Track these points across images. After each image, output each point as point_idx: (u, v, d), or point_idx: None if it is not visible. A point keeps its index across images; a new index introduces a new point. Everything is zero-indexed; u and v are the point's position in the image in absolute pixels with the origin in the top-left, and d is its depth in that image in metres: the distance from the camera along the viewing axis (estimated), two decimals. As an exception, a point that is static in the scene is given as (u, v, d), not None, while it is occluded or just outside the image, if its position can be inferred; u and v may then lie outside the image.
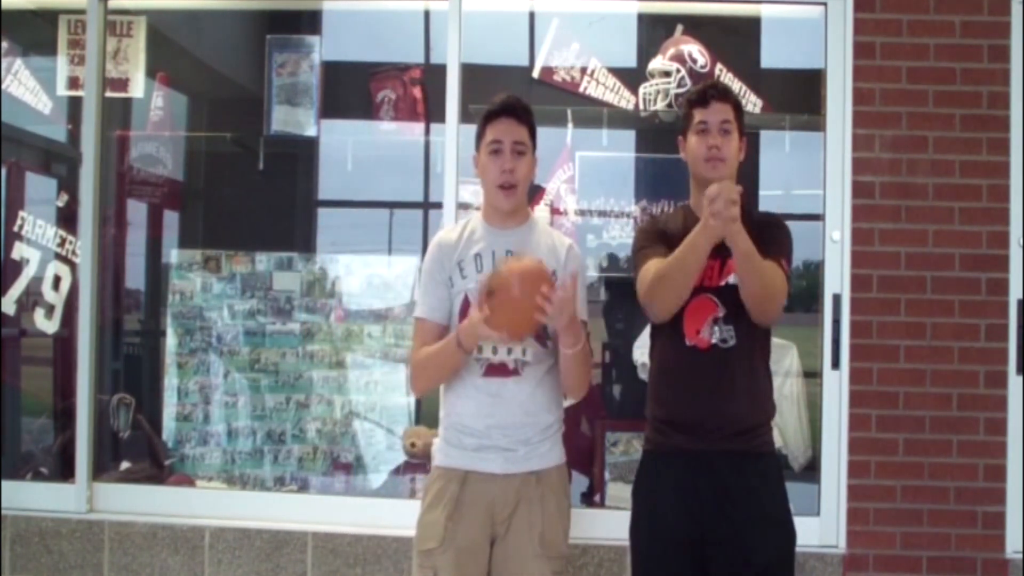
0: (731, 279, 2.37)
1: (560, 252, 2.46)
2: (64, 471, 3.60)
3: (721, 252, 2.35)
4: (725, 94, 2.45)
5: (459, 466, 2.37)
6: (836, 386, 3.27)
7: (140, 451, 3.78)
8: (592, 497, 3.60)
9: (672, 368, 2.45)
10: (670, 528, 2.38)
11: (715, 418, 2.37)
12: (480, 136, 2.43)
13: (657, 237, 2.47)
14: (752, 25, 3.79)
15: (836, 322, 3.26)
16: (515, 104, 2.40)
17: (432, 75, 3.72)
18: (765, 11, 3.75)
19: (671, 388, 2.46)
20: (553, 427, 2.43)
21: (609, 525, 3.31)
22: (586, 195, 3.71)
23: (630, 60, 3.87)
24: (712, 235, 2.23)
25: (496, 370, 2.36)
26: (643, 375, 3.60)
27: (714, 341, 2.38)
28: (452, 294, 2.40)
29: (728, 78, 3.65)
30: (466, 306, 2.36)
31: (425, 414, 3.72)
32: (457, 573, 2.32)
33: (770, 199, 3.72)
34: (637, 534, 2.46)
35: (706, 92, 2.44)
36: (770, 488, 2.40)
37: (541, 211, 3.66)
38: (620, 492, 3.47)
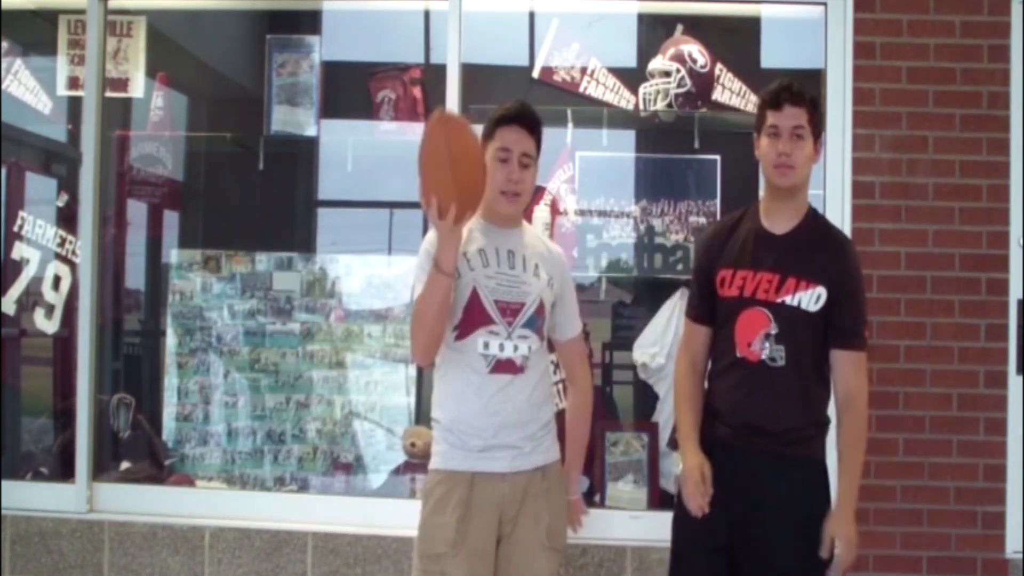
0: (789, 299, 2.32)
1: (555, 258, 2.49)
2: (64, 471, 3.60)
3: (780, 268, 2.34)
4: (799, 96, 2.35)
5: (465, 469, 2.34)
6: (836, 386, 3.26)
7: (140, 451, 3.77)
8: (592, 497, 3.60)
9: (721, 373, 2.45)
10: (698, 524, 2.38)
11: (752, 426, 2.36)
12: (488, 136, 2.41)
13: (712, 259, 2.45)
14: (752, 25, 3.79)
15: (836, 322, 3.26)
16: (527, 115, 2.40)
17: (432, 75, 3.71)
18: (765, 11, 3.75)
19: (718, 387, 2.46)
20: (551, 422, 2.46)
21: (609, 525, 3.31)
22: (586, 195, 3.71)
23: (630, 60, 3.86)
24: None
25: (503, 367, 2.35)
26: (643, 375, 3.61)
27: (763, 357, 2.34)
28: (460, 285, 2.34)
29: (728, 78, 3.65)
30: (475, 297, 2.34)
31: (425, 414, 3.71)
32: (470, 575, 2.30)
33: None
34: (675, 522, 2.48)
35: (779, 94, 2.35)
36: (804, 495, 2.35)
37: (541, 211, 3.66)
38: (620, 492, 3.47)
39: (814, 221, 2.43)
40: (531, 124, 2.39)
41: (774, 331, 2.32)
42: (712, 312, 2.45)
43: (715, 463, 2.38)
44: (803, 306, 2.31)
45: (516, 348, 2.35)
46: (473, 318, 2.34)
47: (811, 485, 2.37)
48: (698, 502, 2.33)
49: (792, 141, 2.33)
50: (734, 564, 2.36)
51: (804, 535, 2.32)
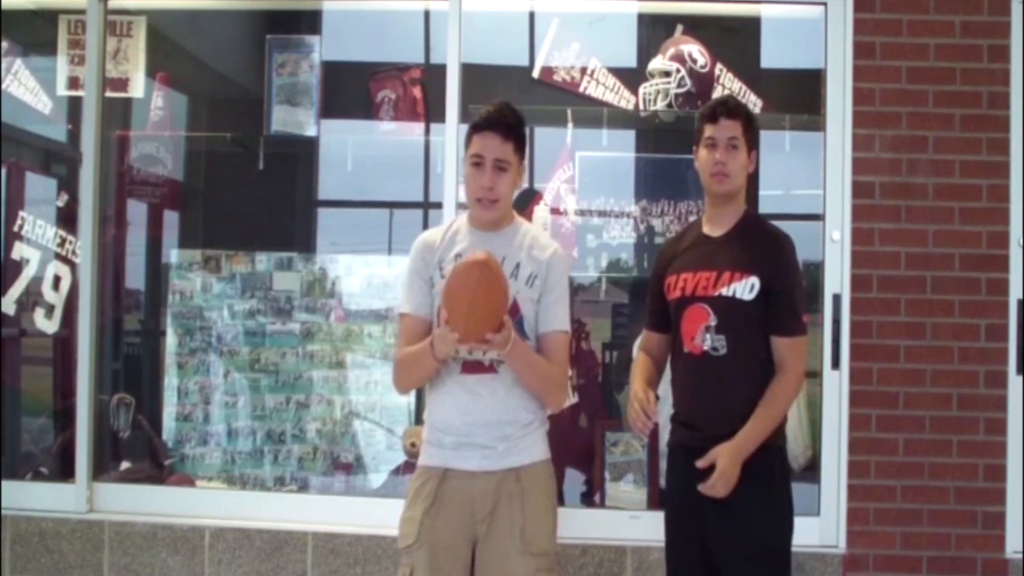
0: (725, 291, 2.46)
1: (541, 257, 2.43)
2: (64, 471, 3.60)
3: (717, 264, 2.48)
4: (735, 111, 2.53)
5: (438, 464, 2.39)
6: (836, 386, 3.27)
7: (140, 451, 3.78)
8: (592, 497, 3.60)
9: (675, 371, 2.61)
10: (677, 523, 2.55)
11: (702, 418, 2.49)
12: (467, 142, 2.43)
13: (662, 269, 2.63)
14: (752, 25, 3.79)
15: (836, 322, 3.27)
16: (502, 120, 2.38)
17: (432, 75, 3.72)
18: (765, 11, 3.75)
19: (675, 389, 2.61)
20: (533, 424, 2.42)
21: (609, 525, 3.32)
22: (586, 195, 3.71)
23: (630, 60, 3.86)
24: None
25: (472, 367, 2.37)
26: (643, 375, 3.60)
27: (706, 348, 2.47)
28: (433, 294, 2.40)
29: (728, 78, 3.65)
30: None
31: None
32: (432, 570, 2.32)
33: (770, 199, 3.71)
34: (665, 517, 2.62)
35: (716, 109, 2.54)
36: (763, 479, 2.43)
37: (541, 211, 3.66)
38: (620, 492, 3.47)
39: (749, 221, 2.58)
40: (506, 129, 2.37)
41: (714, 323, 2.47)
42: (666, 319, 2.61)
43: (680, 469, 2.53)
44: (738, 295, 2.45)
45: (484, 351, 2.34)
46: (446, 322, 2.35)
47: (769, 469, 2.44)
48: (642, 420, 2.47)
49: (728, 151, 2.51)
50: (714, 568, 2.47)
51: (765, 517, 2.42)
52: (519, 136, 2.41)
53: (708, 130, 2.53)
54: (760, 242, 2.50)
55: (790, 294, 2.47)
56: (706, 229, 2.59)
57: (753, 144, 2.56)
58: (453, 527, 2.35)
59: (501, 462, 2.36)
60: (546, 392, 2.41)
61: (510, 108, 2.42)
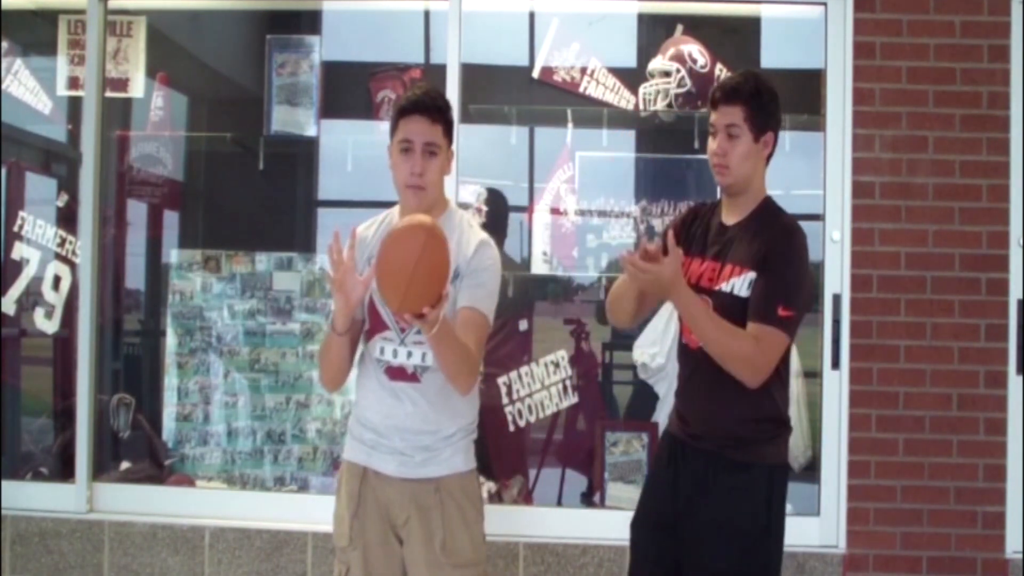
0: (724, 286, 2.30)
1: (467, 249, 2.30)
2: (64, 471, 3.60)
3: (723, 256, 2.33)
4: (732, 94, 2.30)
5: (359, 461, 2.34)
6: (836, 386, 3.27)
7: (140, 451, 3.78)
8: (592, 497, 3.60)
9: (679, 360, 2.49)
10: (649, 503, 2.45)
11: (688, 414, 2.40)
12: (393, 129, 2.33)
13: (681, 229, 2.43)
14: (752, 25, 3.79)
15: (836, 322, 3.27)
16: (429, 102, 2.28)
17: (432, 75, 3.72)
18: (765, 11, 3.75)
19: (678, 378, 2.50)
20: (457, 435, 2.32)
21: (609, 525, 3.31)
22: (586, 195, 3.71)
23: (630, 60, 3.87)
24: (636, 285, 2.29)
25: (396, 373, 2.29)
26: (643, 375, 3.61)
27: (702, 343, 2.32)
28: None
29: (728, 78, 3.65)
30: (371, 304, 2.29)
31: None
32: (366, 571, 2.31)
33: (770, 199, 3.71)
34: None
35: (715, 94, 2.34)
36: (742, 500, 2.30)
37: (540, 213, 3.66)
38: (620, 492, 3.47)
39: (765, 212, 2.36)
40: (434, 112, 2.29)
41: None
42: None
43: (667, 453, 2.43)
44: (735, 291, 2.28)
45: (409, 355, 2.27)
46: (373, 324, 2.31)
47: (752, 491, 2.30)
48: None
49: (727, 140, 2.30)
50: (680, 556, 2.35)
51: (735, 542, 2.27)
52: (447, 120, 2.32)
53: (711, 117, 2.33)
54: (767, 235, 2.28)
55: (774, 284, 2.23)
56: (723, 215, 2.40)
57: (763, 127, 2.30)
58: (379, 529, 2.31)
59: (417, 471, 2.28)
60: (456, 375, 2.19)
61: (437, 91, 2.35)
